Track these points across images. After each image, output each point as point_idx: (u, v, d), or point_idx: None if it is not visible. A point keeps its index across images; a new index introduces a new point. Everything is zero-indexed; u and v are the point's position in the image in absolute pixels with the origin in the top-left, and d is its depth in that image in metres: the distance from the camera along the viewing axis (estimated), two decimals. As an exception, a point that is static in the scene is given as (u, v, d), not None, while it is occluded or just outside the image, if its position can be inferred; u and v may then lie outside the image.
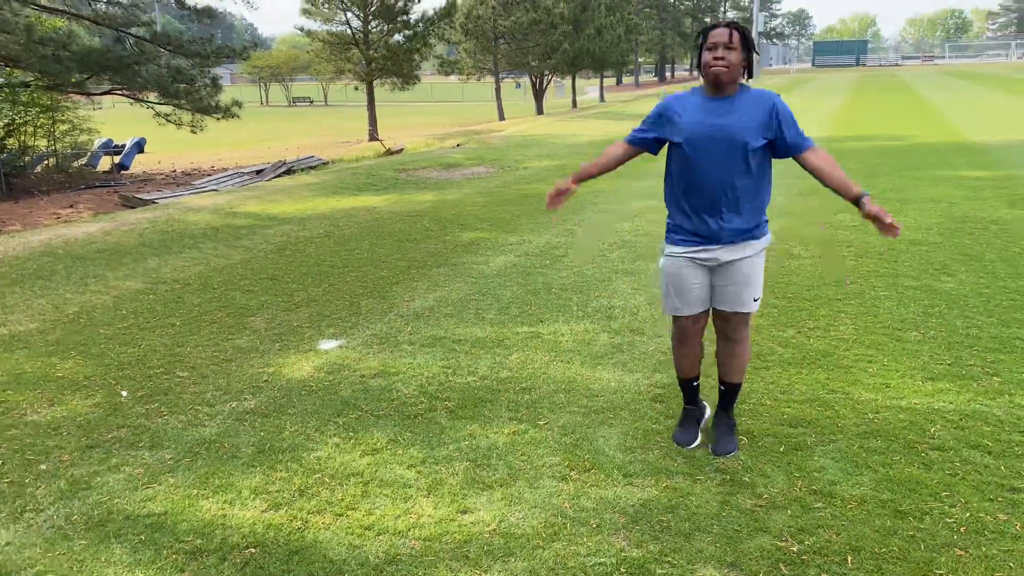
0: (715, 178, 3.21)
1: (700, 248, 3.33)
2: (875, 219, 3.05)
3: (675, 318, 3.53)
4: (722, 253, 3.31)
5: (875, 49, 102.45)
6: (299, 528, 3.06)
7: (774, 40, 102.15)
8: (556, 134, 20.68)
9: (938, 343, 4.64)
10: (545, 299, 5.86)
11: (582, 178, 3.55)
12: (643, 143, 3.42)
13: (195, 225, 9.59)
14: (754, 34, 54.88)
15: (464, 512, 3.13)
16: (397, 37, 28.25)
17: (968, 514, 2.95)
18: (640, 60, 71.65)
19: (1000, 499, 3.05)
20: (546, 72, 40.09)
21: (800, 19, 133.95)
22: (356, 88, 29.82)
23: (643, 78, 76.30)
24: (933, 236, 7.24)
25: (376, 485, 3.35)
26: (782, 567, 2.71)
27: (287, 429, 3.91)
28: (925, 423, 3.67)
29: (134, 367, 4.87)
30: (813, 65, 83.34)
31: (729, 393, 3.61)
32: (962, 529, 2.87)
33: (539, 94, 40.17)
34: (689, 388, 3.64)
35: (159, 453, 3.73)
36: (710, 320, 3.55)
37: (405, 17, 28.72)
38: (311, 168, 18.20)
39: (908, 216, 8.15)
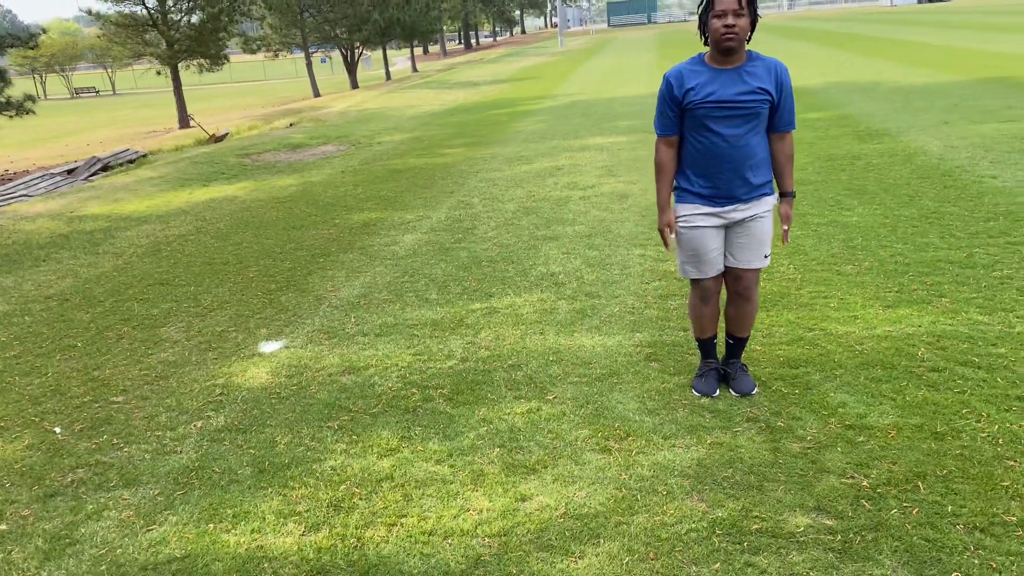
0: (734, 143, 3.22)
1: (718, 209, 3.33)
2: (782, 218, 3.39)
3: (696, 281, 3.53)
4: (738, 211, 3.34)
5: (661, 7, 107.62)
6: (355, 547, 2.79)
7: (568, 3, 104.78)
8: (392, 107, 20.19)
9: (875, 273, 4.93)
10: (480, 273, 5.69)
11: (668, 201, 3.45)
12: (676, 127, 3.34)
13: (37, 234, 8.54)
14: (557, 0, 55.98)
15: (523, 500, 2.98)
16: (200, 15, 26.36)
17: (996, 427, 3.15)
18: (443, 28, 71.27)
19: (1015, 409, 3.27)
20: (357, 44, 39.01)
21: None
22: (159, 73, 27.63)
23: (448, 46, 76.03)
24: (812, 175, 7.69)
25: (413, 487, 3.12)
26: (864, 503, 2.77)
27: (279, 442, 3.56)
28: (909, 348, 3.89)
29: (52, 398, 4.27)
30: (609, 25, 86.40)
31: (737, 345, 3.67)
32: (1000, 441, 3.06)
33: (352, 67, 39.05)
34: (709, 345, 3.67)
35: (141, 490, 3.28)
36: None
37: (205, -7, 26.88)
38: (130, 162, 16.75)
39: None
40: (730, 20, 3.05)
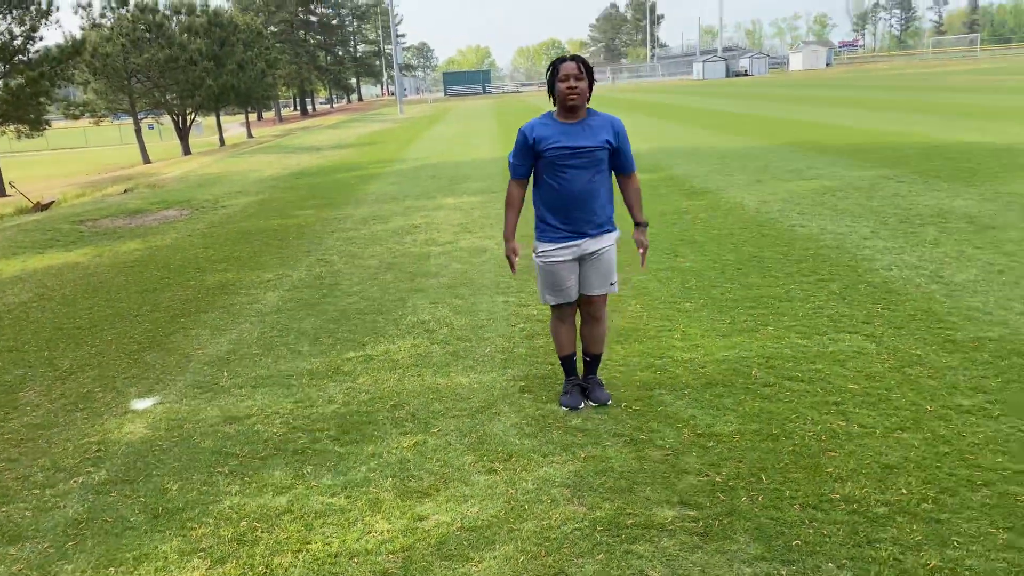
0: (581, 186, 3.82)
1: (571, 243, 3.85)
2: (638, 244, 4.05)
3: (555, 306, 4.02)
4: (588, 244, 3.88)
5: (495, 78, 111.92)
6: (263, 574, 2.92)
7: (404, 72, 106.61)
8: (233, 171, 19.91)
9: (710, 309, 5.56)
10: (350, 325, 5.89)
11: (514, 232, 4.02)
12: (527, 172, 3.91)
13: None
14: (395, 68, 57.10)
15: (420, 520, 3.21)
16: (19, 79, 24.98)
17: (819, 427, 3.72)
18: (278, 94, 70.65)
19: (832, 411, 3.86)
20: (189, 110, 38.12)
21: (424, 52, 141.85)
22: (-30, 138, 25.88)
23: (284, 112, 75.33)
24: (649, 229, 8.40)
25: (313, 517, 3.28)
26: (719, 495, 3.21)
27: (170, 489, 3.61)
28: (744, 368, 4.45)
29: (-95, 469, 4.07)
30: (445, 94, 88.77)
31: (593, 363, 4.22)
32: (823, 438, 3.61)
33: (183, 134, 38.03)
34: (571, 362, 4.19)
35: (28, 545, 3.25)
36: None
37: (24, 57, 25.60)
38: (-59, 232, 15.60)
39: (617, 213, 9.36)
40: (572, 83, 3.68)
